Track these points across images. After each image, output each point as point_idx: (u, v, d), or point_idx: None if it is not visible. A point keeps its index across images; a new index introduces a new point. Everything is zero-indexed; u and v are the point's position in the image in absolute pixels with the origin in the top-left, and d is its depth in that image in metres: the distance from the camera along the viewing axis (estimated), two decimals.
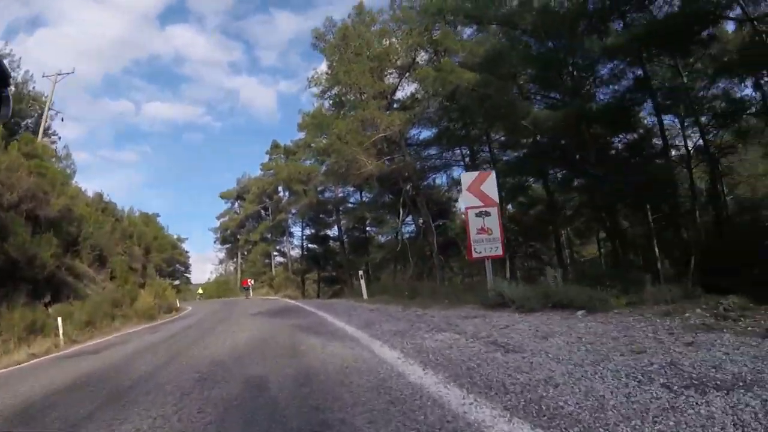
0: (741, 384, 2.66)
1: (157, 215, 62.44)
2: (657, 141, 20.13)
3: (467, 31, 22.83)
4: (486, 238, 9.01)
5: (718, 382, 2.73)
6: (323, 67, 26.52)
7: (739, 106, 16.75)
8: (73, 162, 31.83)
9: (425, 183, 29.11)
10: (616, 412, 2.47)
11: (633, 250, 20.16)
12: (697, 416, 2.29)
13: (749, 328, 4.08)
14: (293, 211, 50.38)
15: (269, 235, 57.80)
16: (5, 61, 1.81)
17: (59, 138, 35.62)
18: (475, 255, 9.18)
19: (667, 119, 18.88)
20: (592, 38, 16.60)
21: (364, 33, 24.68)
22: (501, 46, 19.30)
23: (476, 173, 9.96)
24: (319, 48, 26.37)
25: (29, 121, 31.06)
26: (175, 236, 69.45)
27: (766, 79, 16.05)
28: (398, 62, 25.25)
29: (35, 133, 28.96)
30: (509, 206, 24.45)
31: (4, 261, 14.37)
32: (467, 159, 26.41)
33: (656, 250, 19.40)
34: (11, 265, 14.57)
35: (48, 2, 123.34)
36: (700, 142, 18.35)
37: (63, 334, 13.05)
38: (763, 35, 14.82)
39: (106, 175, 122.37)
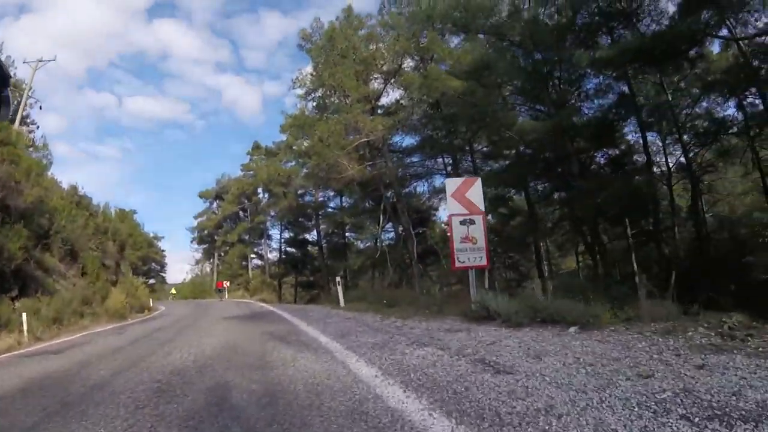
0: None
1: (134, 212, 61.35)
2: (638, 157, 20.39)
3: (455, 40, 22.79)
4: (470, 248, 8.67)
5: (743, 412, 2.48)
6: (309, 69, 26.21)
7: (721, 125, 16.97)
8: (49, 152, 31.00)
9: (406, 190, 28.95)
10: None
11: (611, 265, 20.17)
12: None
13: (760, 349, 3.84)
14: (272, 213, 50.08)
15: (247, 237, 57.25)
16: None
17: (37, 127, 34.93)
18: (458, 264, 8.78)
19: (649, 136, 18.97)
20: (581, 51, 16.57)
21: (351, 36, 24.40)
22: (488, 56, 19.21)
23: (461, 179, 9.45)
24: (305, 49, 26.06)
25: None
26: (152, 234, 68.45)
27: (749, 99, 16.28)
28: (384, 67, 25.07)
29: (13, 121, 28.24)
30: (489, 216, 24.34)
31: None
32: (449, 168, 26.30)
33: (634, 264, 19.53)
34: None
35: None
36: (681, 159, 18.65)
37: (27, 331, 12.48)
38: (748, 56, 15.00)
39: (84, 168, 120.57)
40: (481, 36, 21.03)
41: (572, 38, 17.80)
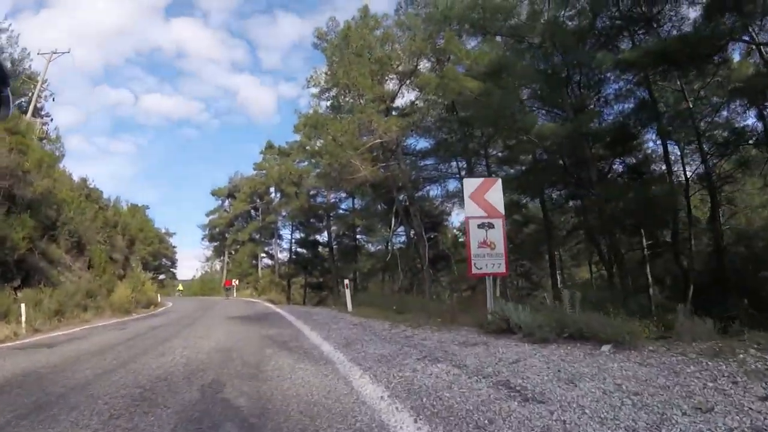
0: None
1: (146, 207, 61.43)
2: (656, 166, 20.19)
3: (471, 43, 22.32)
4: (488, 253, 8.00)
5: None
6: (324, 68, 25.88)
7: (740, 135, 16.64)
8: (62, 145, 31.09)
9: (419, 194, 28.61)
10: None
11: (624, 275, 19.65)
12: None
13: None
14: (283, 213, 49.70)
15: (258, 236, 56.95)
16: (5, 61, 1.14)
17: (51, 119, 34.95)
18: (475, 271, 8.09)
19: (668, 145, 18.57)
20: (604, 51, 16.18)
21: (367, 35, 24.06)
22: (505, 58, 18.78)
23: (480, 180, 8.69)
24: (320, 48, 25.82)
25: (23, 100, 30.29)
26: (163, 230, 68.71)
27: None
28: (399, 68, 24.66)
29: (25, 111, 28.17)
30: None
31: None
32: (464, 172, 25.81)
33: (649, 276, 19.02)
34: None
35: None
36: (699, 169, 18.28)
37: (26, 322, 12.19)
38: None
39: (99, 163, 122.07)
40: (498, 39, 20.67)
41: (592, 42, 17.50)
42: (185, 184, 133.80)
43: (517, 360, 4.85)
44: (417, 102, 25.98)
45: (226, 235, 61.19)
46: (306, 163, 36.26)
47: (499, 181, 8.44)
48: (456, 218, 33.22)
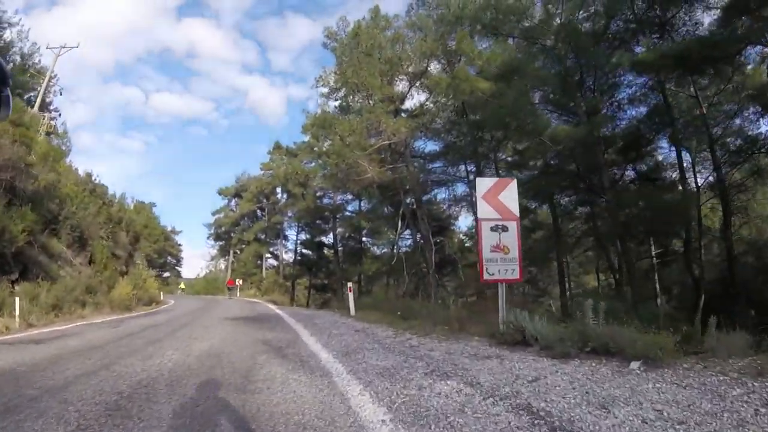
0: None
1: (153, 205, 61.55)
2: (666, 174, 20.04)
3: (482, 44, 21.94)
4: (501, 258, 7.41)
5: None
6: (333, 68, 25.59)
7: (753, 143, 16.28)
8: (69, 140, 31.09)
9: (427, 197, 28.23)
10: None
11: (634, 284, 19.25)
12: None
13: None
14: (290, 214, 49.54)
15: (263, 236, 56.79)
16: (5, 61, 1.47)
17: (59, 114, 34.97)
18: (486, 277, 7.49)
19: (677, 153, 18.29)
20: (621, 52, 15.85)
21: (377, 35, 23.75)
22: (517, 60, 18.42)
23: (495, 179, 8.23)
24: (329, 47, 25.48)
25: (32, 95, 30.25)
26: (169, 228, 68.66)
27: None
28: (410, 69, 24.33)
29: (32, 105, 28.07)
30: None
31: None
32: (472, 176, 25.46)
33: (657, 285, 18.61)
34: None
35: None
36: (710, 178, 18.02)
37: (19, 316, 11.91)
38: None
39: (108, 160, 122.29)
40: (510, 42, 20.34)
41: (606, 45, 17.21)
42: (193, 183, 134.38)
43: (536, 378, 4.36)
44: (427, 103, 25.70)
45: (232, 234, 61.11)
46: (313, 163, 36.02)
47: (515, 181, 7.94)
48: (463, 222, 32.96)
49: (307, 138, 34.75)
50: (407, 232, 28.65)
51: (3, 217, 14.41)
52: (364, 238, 38.95)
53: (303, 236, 46.93)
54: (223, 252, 65.92)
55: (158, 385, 4.52)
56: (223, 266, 66.48)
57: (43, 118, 28.92)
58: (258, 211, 58.05)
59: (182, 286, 59.14)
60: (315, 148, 31.99)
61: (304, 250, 46.70)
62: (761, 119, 16.43)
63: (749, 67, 16.56)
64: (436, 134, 25.97)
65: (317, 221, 42.47)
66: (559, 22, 18.12)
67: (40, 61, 32.64)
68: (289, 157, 46.02)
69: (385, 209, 30.82)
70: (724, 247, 17.40)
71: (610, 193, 16.92)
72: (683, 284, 18.69)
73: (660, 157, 20.15)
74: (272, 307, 24.01)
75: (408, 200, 25.97)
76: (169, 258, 69.78)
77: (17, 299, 12.23)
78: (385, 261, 32.16)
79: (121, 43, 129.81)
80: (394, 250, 29.40)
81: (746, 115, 16.78)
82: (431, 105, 25.44)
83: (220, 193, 63.02)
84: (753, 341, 4.83)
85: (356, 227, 37.47)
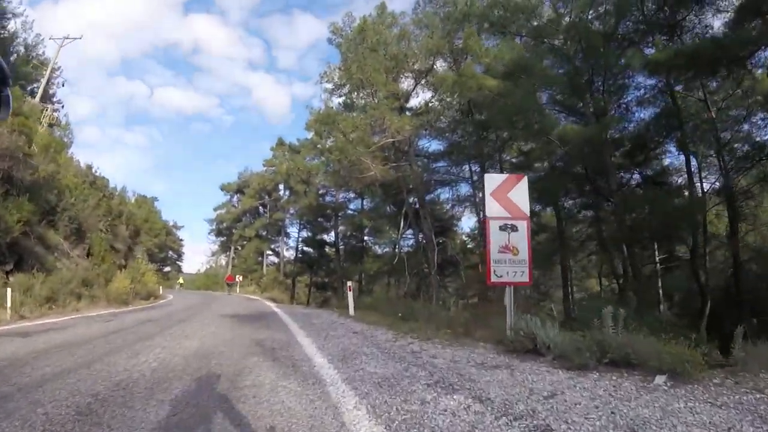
0: None
1: (155, 199, 61.51)
2: (673, 178, 19.93)
3: (489, 43, 21.67)
4: (510, 259, 6.96)
5: None
6: (337, 65, 25.32)
7: (761, 149, 16.00)
8: (71, 132, 31.04)
9: (430, 197, 27.95)
10: None
11: (639, 289, 18.98)
12: None
13: None
14: (291, 211, 49.35)
15: (264, 233, 56.73)
16: (4, 61, 1.43)
17: (62, 106, 34.95)
18: (494, 279, 7.04)
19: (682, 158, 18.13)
20: (633, 50, 15.59)
21: (383, 31, 23.49)
22: (525, 59, 18.14)
23: (504, 176, 7.78)
24: (335, 43, 25.15)
25: (35, 86, 30.16)
26: (171, 223, 68.62)
27: None
28: (415, 66, 24.05)
29: (34, 95, 27.98)
30: None
31: None
32: (476, 177, 25.20)
33: (660, 291, 18.34)
34: None
35: None
36: (717, 184, 17.81)
37: (11, 308, 11.72)
38: None
39: (111, 154, 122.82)
40: (518, 41, 20.05)
41: (614, 45, 16.94)
42: (195, 178, 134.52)
43: (553, 393, 3.96)
44: (432, 102, 25.41)
45: (233, 230, 60.94)
46: (316, 160, 35.77)
47: (525, 178, 7.55)
48: (466, 224, 32.65)
49: (310, 135, 34.69)
50: (409, 231, 28.42)
51: None
52: (365, 237, 38.68)
53: (304, 234, 46.83)
54: (224, 248, 65.79)
55: (137, 388, 4.23)
56: (223, 262, 66.43)
57: (46, 110, 28.87)
58: (260, 207, 58.02)
59: (181, 281, 59.10)
60: (318, 146, 31.81)
61: (305, 248, 46.50)
62: None
63: (759, 71, 16.35)
64: (441, 133, 25.73)
65: (319, 219, 42.25)
66: (567, 21, 17.95)
67: (44, 52, 32.70)
68: (291, 154, 45.85)
69: (388, 208, 30.63)
70: (729, 253, 17.16)
71: (617, 197, 16.67)
72: (687, 291, 18.37)
73: (666, 162, 20.07)
74: (270, 304, 23.79)
75: (411, 199, 25.71)
76: (170, 253, 69.81)
77: (9, 291, 12.04)
78: (387, 260, 31.88)
79: (128, 38, 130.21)
80: (396, 250, 29.17)
81: (754, 120, 16.73)
82: (436, 103, 25.11)
83: (222, 189, 63.09)
84: None
85: (358, 226, 37.20)
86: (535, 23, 19.30)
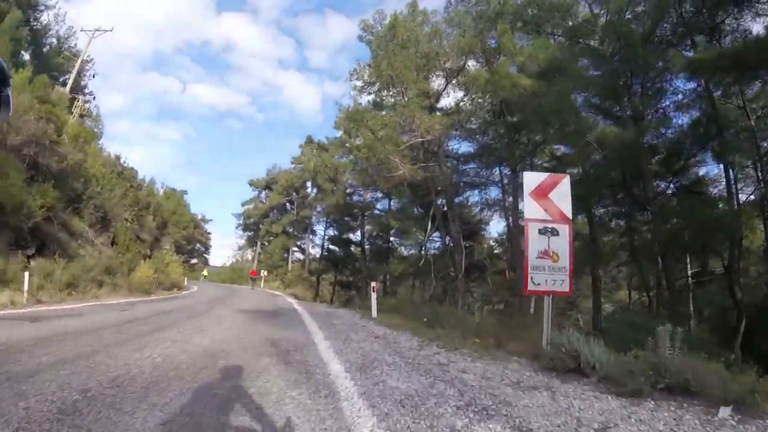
0: None
1: (184, 192, 62.21)
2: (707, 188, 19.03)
3: (522, 42, 21.11)
4: (549, 266, 6.20)
5: None
6: (368, 62, 25.01)
7: None
8: (101, 123, 31.42)
9: (458, 199, 27.51)
10: None
11: (663, 305, 18.22)
12: None
13: None
14: (318, 209, 49.22)
15: (291, 230, 56.81)
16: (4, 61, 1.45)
17: (93, 98, 35.43)
18: (531, 287, 6.28)
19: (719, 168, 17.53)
20: (674, 51, 14.94)
21: (414, 28, 23.13)
22: (559, 60, 17.59)
23: (545, 174, 6.88)
24: (365, 40, 24.86)
25: (67, 77, 30.54)
26: (200, 216, 69.30)
27: None
28: (447, 64, 23.61)
29: (65, 85, 28.27)
30: None
31: None
32: (506, 180, 24.65)
33: (691, 306, 17.57)
34: None
35: None
36: (752, 197, 16.82)
37: (27, 291, 11.70)
38: None
39: (144, 147, 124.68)
40: (552, 41, 19.56)
41: (652, 47, 16.27)
42: (225, 173, 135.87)
43: (605, 426, 3.38)
44: (463, 102, 24.91)
45: (260, 225, 61.25)
46: (344, 158, 35.57)
47: (568, 177, 6.70)
48: (494, 228, 32.06)
49: (339, 134, 34.59)
50: (436, 234, 27.95)
51: (22, 192, 14.20)
52: (392, 238, 38.33)
53: (331, 232, 46.61)
54: (251, 243, 66.18)
55: (132, 387, 3.88)
56: (249, 257, 66.73)
57: (77, 101, 29.16)
58: (287, 204, 58.23)
59: (205, 273, 59.72)
60: (347, 144, 31.78)
61: (331, 246, 46.29)
62: None
63: None
64: (471, 134, 25.28)
65: (346, 218, 42.00)
66: (604, 21, 17.45)
67: (75, 44, 33.30)
68: (320, 152, 45.77)
69: (415, 209, 30.32)
70: (763, 269, 16.35)
71: (654, 205, 16.01)
72: (720, 307, 17.50)
73: (703, 170, 19.23)
74: (292, 301, 23.54)
75: (439, 201, 25.37)
76: (197, 245, 70.47)
77: (26, 274, 11.97)
78: (413, 262, 31.38)
79: (161, 34, 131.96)
80: (422, 252, 28.68)
81: None
82: (467, 103, 24.60)
83: (250, 184, 63.49)
84: None
85: (385, 226, 36.91)
86: (570, 23, 18.93)
